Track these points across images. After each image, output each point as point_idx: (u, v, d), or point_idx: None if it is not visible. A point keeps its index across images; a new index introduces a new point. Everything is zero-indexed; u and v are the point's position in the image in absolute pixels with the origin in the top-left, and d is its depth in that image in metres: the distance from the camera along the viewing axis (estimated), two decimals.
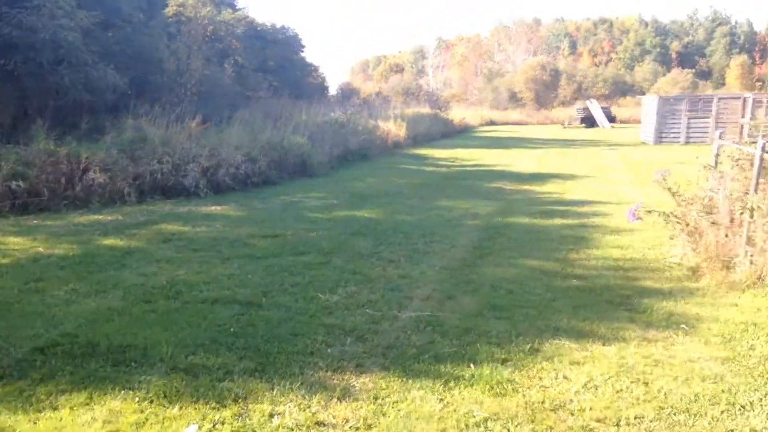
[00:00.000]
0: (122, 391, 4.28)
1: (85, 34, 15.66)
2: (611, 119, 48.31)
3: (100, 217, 10.54)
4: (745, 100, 28.82)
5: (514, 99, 64.31)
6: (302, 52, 38.48)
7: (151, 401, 4.17)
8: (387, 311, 5.86)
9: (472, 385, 4.39)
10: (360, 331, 5.37)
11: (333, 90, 48.57)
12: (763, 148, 6.87)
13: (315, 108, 25.10)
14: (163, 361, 4.74)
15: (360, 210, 11.38)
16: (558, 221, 10.33)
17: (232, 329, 5.39)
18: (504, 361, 4.76)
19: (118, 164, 12.04)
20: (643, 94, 55.58)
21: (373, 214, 11.04)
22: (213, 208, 11.50)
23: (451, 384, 4.41)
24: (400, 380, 4.46)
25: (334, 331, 5.36)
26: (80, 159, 11.58)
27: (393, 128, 26.66)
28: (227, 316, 5.71)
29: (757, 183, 6.90)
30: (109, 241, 8.78)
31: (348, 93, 46.05)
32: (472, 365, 4.67)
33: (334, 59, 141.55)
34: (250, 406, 4.12)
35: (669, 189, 7.99)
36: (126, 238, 9.00)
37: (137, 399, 4.19)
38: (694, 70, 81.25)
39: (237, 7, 32.64)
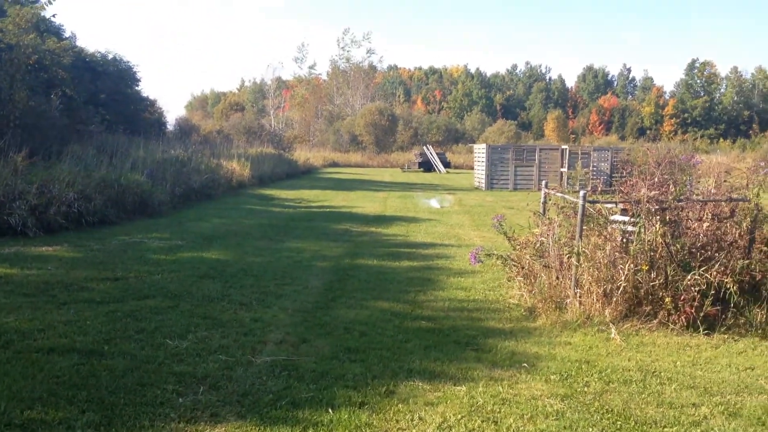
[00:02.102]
0: None
1: None
2: (447, 164, 51.04)
3: None
4: (563, 152, 31.61)
5: (355, 142, 66.03)
6: (137, 85, 36.97)
7: None
8: (241, 356, 5.73)
9: (331, 431, 4.38)
10: (213, 378, 5.19)
11: (171, 125, 47.02)
12: (584, 198, 7.53)
13: (153, 144, 24.21)
14: None
15: (207, 251, 11.06)
16: (405, 263, 10.61)
17: (71, 380, 5.02)
18: (361, 405, 4.79)
19: None
20: (474, 141, 59.37)
21: (221, 255, 10.77)
22: (44, 248, 10.66)
23: (310, 430, 4.37)
24: (257, 428, 4.37)
25: (186, 379, 5.14)
26: None
27: (237, 168, 26.34)
28: (66, 367, 5.30)
29: (581, 229, 7.54)
30: None
31: (187, 129, 44.71)
32: (330, 410, 4.67)
33: (171, 93, 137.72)
34: None
35: (505, 234, 8.59)
36: None
37: None
38: (516, 122, 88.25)
39: (63, 36, 30.78)
